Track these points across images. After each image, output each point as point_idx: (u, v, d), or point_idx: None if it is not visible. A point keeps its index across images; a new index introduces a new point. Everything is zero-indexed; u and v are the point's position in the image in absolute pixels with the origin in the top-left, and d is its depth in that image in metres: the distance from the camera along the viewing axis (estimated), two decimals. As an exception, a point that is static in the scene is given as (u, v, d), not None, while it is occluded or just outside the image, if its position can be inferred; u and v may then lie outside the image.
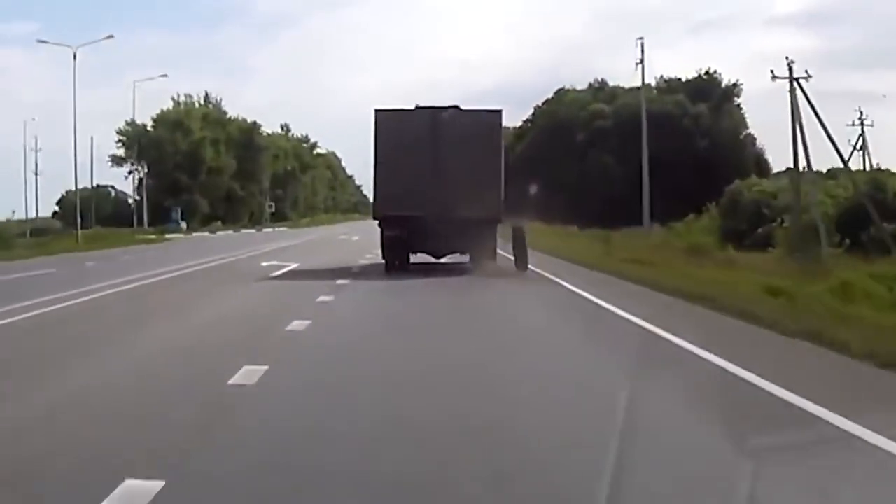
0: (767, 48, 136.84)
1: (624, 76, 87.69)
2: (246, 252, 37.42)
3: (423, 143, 24.87)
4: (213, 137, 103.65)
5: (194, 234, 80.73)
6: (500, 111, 27.31)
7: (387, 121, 25.83)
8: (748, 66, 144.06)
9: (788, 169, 45.44)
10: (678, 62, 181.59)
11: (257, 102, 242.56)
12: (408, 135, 25.25)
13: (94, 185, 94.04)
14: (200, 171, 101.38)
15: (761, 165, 76.65)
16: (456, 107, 26.49)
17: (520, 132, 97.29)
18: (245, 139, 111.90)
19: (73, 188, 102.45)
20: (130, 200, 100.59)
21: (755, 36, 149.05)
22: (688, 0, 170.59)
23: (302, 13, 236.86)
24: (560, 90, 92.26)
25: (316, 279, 23.18)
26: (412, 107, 26.53)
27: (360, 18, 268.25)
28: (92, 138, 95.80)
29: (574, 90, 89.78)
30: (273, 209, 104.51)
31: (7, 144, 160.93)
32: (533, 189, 51.95)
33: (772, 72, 41.10)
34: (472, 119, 26.01)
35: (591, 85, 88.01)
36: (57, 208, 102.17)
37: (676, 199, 73.24)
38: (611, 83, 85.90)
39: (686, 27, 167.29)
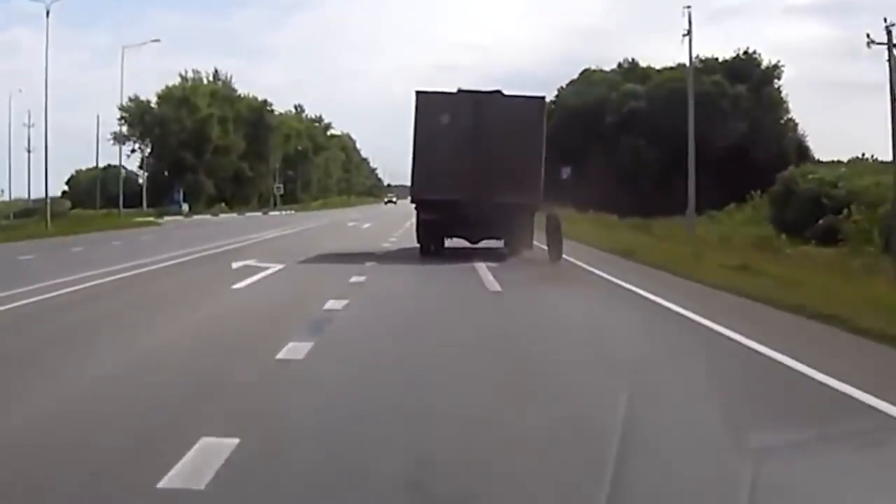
0: (786, 37, 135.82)
1: (644, 61, 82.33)
2: (231, 242, 31.55)
3: (465, 127, 24.23)
4: (220, 115, 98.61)
5: (195, 216, 75.96)
6: (543, 97, 27.60)
7: (428, 103, 25.11)
8: (769, 54, 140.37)
9: (855, 158, 40.55)
10: (697, 49, 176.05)
11: (273, 84, 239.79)
12: (449, 118, 24.58)
13: (106, 164, 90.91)
14: (206, 150, 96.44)
15: (802, 152, 71.55)
16: (499, 91, 25.44)
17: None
18: (255, 118, 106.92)
19: (85, 167, 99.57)
20: (141, 181, 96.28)
21: (774, 24, 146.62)
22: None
23: None
24: (586, 70, 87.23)
25: (286, 306, 14.85)
26: (454, 90, 25.86)
27: (375, 1, 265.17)
28: (98, 116, 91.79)
29: (601, 71, 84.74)
30: (282, 191, 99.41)
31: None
32: (566, 173, 47.52)
33: (868, 35, 36.75)
34: (514, 104, 25.38)
35: (620, 65, 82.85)
36: (67, 188, 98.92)
37: (713, 185, 68.22)
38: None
39: (705, 15, 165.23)
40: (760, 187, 66.74)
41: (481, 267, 20.66)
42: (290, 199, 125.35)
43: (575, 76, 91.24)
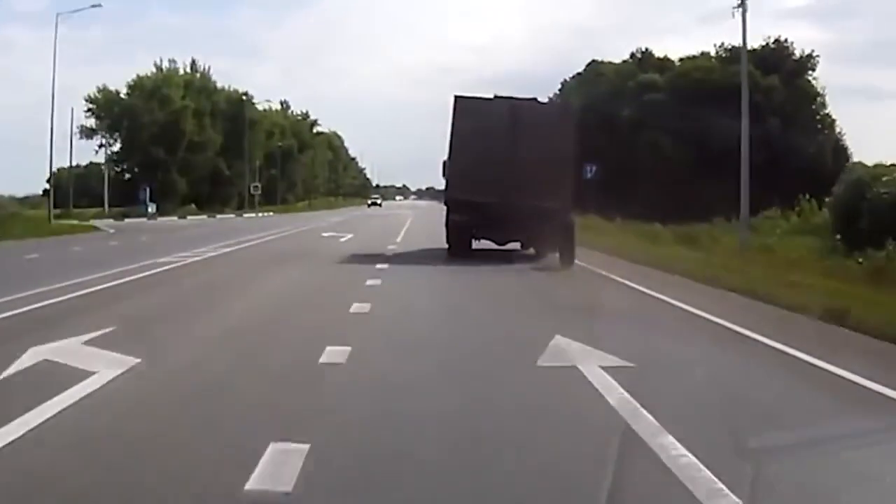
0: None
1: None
2: (107, 276, 18.95)
3: (500, 132, 24.73)
4: (195, 108, 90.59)
5: (162, 219, 68.25)
6: (570, 104, 30.04)
7: (466, 108, 25.78)
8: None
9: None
10: (687, 50, 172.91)
11: (265, 84, 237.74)
12: (485, 123, 25.06)
13: (88, 162, 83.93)
14: (180, 145, 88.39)
15: (839, 152, 64.26)
16: (534, 99, 27.16)
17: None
18: (234, 112, 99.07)
19: (66, 165, 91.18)
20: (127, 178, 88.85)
21: (766, 26, 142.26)
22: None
23: None
24: (593, 62, 79.86)
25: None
26: (491, 96, 26.93)
27: (370, 2, 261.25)
28: (72, 110, 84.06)
29: (610, 63, 77.32)
30: (259, 191, 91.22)
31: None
32: (590, 171, 40.61)
33: None
34: (547, 111, 27.31)
35: (632, 55, 75.39)
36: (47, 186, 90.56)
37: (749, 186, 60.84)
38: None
39: (696, 15, 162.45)
40: (797, 190, 59.46)
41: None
42: (274, 199, 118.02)
43: (580, 69, 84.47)
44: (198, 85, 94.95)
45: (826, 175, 62.17)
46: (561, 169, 24.61)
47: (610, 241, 29.61)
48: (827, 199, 50.00)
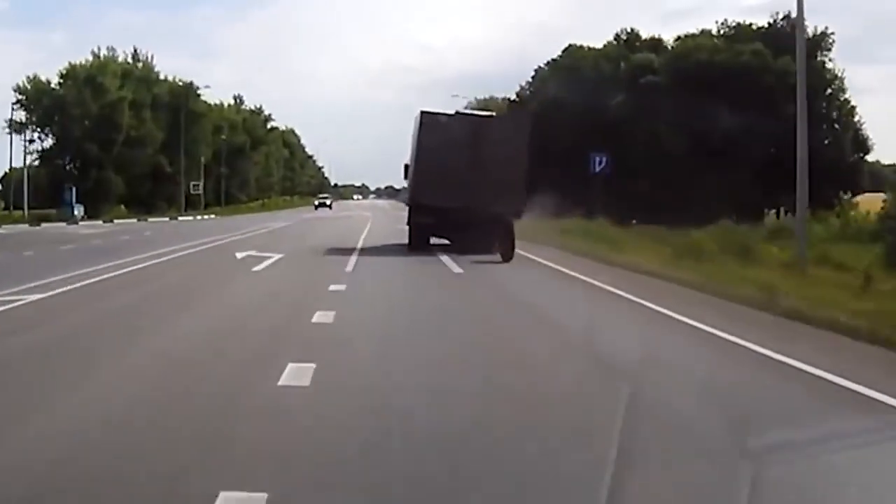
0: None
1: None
2: None
3: (460, 145, 27.00)
4: (134, 99, 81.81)
5: (82, 224, 59.62)
6: (529, 113, 35.99)
7: (430, 122, 28.24)
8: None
9: None
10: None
11: (222, 82, 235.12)
12: (447, 137, 27.42)
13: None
14: (116, 141, 79.59)
15: (860, 143, 57.07)
16: (492, 115, 33.00)
17: (517, 105, 77.83)
18: (178, 105, 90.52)
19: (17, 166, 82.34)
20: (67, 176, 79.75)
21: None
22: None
23: None
24: (571, 47, 72.26)
25: None
26: (453, 112, 30.69)
27: (328, 1, 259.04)
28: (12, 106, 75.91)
29: (591, 48, 69.69)
30: (200, 190, 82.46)
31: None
32: (599, 164, 34.03)
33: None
34: (504, 125, 30.49)
35: (617, 37, 67.73)
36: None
37: (754, 183, 53.56)
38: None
39: (658, 14, 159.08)
40: (815, 186, 52.10)
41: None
42: (226, 198, 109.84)
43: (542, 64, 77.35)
44: (137, 75, 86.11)
45: (845, 169, 55.01)
46: (513, 177, 27.03)
47: (646, 259, 22.09)
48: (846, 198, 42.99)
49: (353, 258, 24.72)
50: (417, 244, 27.94)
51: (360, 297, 16.32)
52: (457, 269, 21.51)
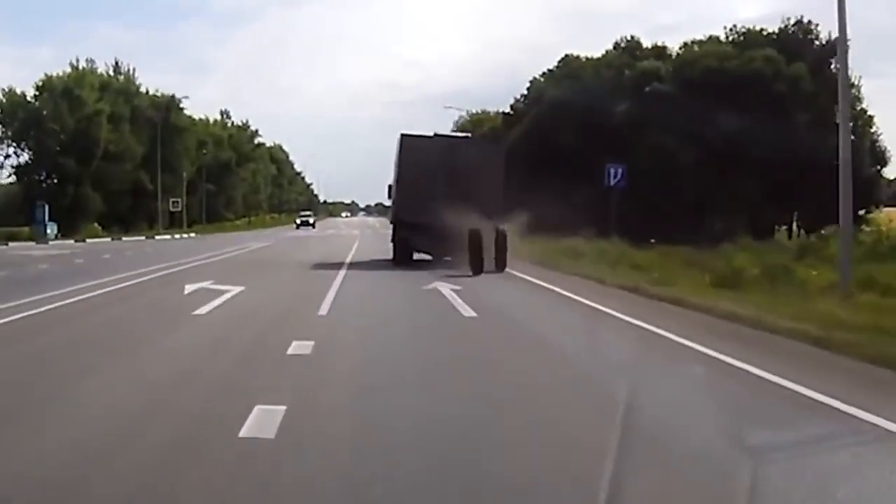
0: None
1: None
2: None
3: (438, 164, 28.43)
4: (112, 112, 78.42)
5: (52, 244, 56.28)
6: (503, 143, 36.85)
7: (410, 144, 30.00)
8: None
9: None
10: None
11: (210, 100, 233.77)
12: (426, 158, 28.88)
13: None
14: (94, 155, 76.18)
15: (878, 154, 53.99)
16: (468, 137, 37.25)
17: (511, 118, 74.67)
18: (160, 118, 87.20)
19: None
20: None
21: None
22: (649, 2, 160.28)
23: (257, 11, 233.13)
24: (567, 57, 69.15)
25: None
26: (432, 134, 31.43)
27: (315, 18, 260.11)
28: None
29: (588, 59, 66.55)
30: (180, 207, 78.88)
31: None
32: (615, 176, 31.48)
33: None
34: (479, 148, 32.82)
35: (616, 45, 64.50)
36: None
37: (766, 196, 50.39)
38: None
39: (647, 29, 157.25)
40: (830, 200, 48.99)
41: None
42: (211, 216, 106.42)
43: (526, 84, 74.48)
44: (117, 87, 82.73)
45: (863, 181, 51.75)
46: (489, 196, 27.82)
47: (688, 290, 18.47)
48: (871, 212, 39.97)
49: (331, 293, 19.09)
50: (401, 258, 29.74)
51: (331, 370, 10.50)
52: (468, 312, 16.05)
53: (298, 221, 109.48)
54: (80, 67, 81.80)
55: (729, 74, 49.10)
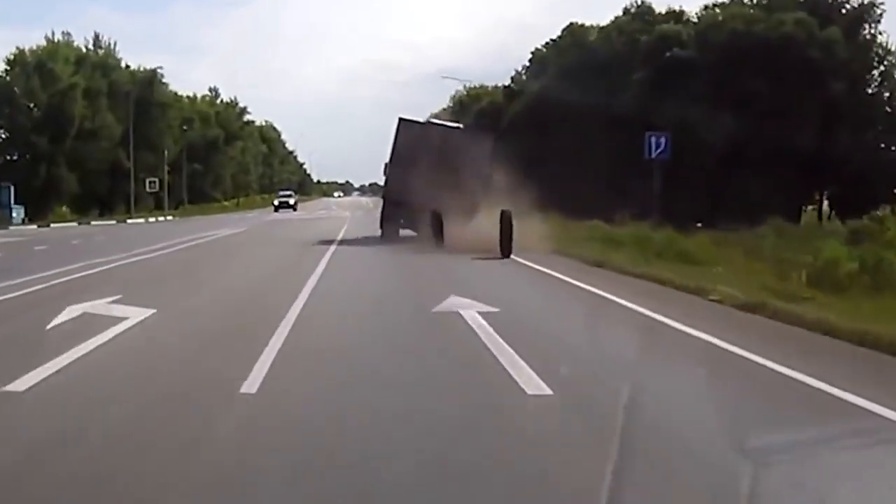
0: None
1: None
2: None
3: (430, 150, 29.87)
4: (88, 87, 73.51)
5: (12, 229, 51.66)
6: (492, 135, 35.20)
7: (406, 128, 31.65)
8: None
9: None
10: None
11: (203, 82, 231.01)
12: (420, 142, 30.50)
13: None
14: (67, 133, 71.41)
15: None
16: (459, 126, 35.80)
17: (512, 91, 70.24)
18: (141, 94, 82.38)
19: None
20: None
21: None
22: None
23: None
24: (571, 25, 64.54)
25: None
26: (424, 120, 35.64)
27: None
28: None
29: (595, 27, 61.86)
30: (156, 188, 73.72)
31: None
32: (657, 147, 27.13)
33: None
34: (469, 136, 33.50)
35: (626, 11, 59.64)
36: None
37: (795, 177, 45.88)
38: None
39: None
40: (870, 180, 44.49)
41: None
42: (198, 197, 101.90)
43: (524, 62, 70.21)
44: (94, 60, 77.74)
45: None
46: (474, 181, 29.05)
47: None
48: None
49: (282, 332, 11.30)
50: (388, 234, 31.85)
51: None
52: (533, 384, 8.25)
53: (276, 203, 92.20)
54: (57, 41, 77.10)
55: (757, 38, 44.44)
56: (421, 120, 34.41)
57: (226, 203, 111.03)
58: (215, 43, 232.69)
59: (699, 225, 34.14)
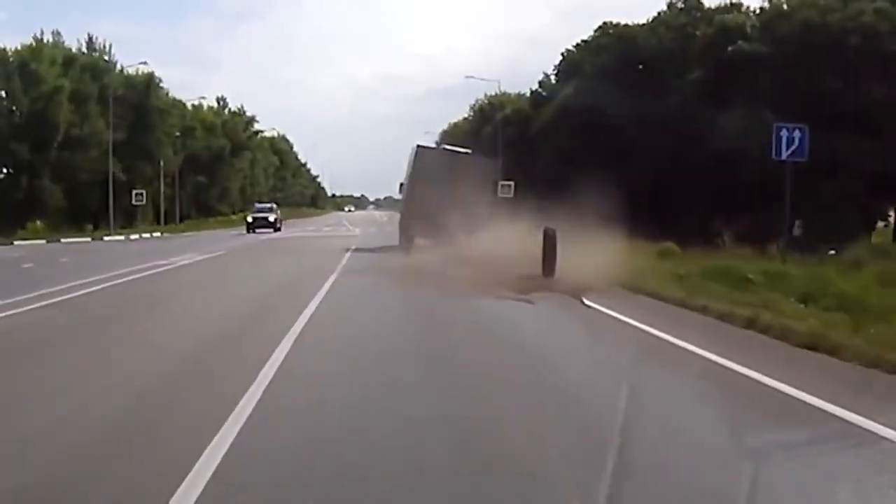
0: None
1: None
2: None
3: (442, 172, 34.03)
4: (75, 90, 67.08)
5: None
6: (498, 160, 43.90)
7: (422, 153, 36.47)
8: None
9: None
10: None
11: (218, 93, 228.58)
12: (433, 166, 34.90)
13: None
14: (52, 141, 64.99)
15: None
16: (468, 153, 39.78)
17: (539, 97, 64.32)
18: (137, 100, 76.15)
19: None
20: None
21: None
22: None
23: (265, 6, 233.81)
24: (605, 25, 57.99)
25: None
26: (438, 146, 46.36)
27: (321, 11, 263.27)
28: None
29: (627, 26, 55.27)
30: (143, 201, 66.67)
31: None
32: (790, 144, 20.30)
33: None
34: (476, 161, 38.24)
35: (670, 5, 53.09)
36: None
37: (880, 191, 39.35)
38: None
39: None
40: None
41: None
42: (201, 211, 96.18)
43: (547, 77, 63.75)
44: (83, 62, 71.28)
45: None
46: (479, 199, 33.59)
47: None
48: None
49: None
50: (405, 245, 34.67)
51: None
52: None
53: (250, 219, 68.97)
54: (46, 41, 70.85)
55: (833, 30, 37.83)
56: (434, 146, 40.86)
57: (233, 217, 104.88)
58: (229, 56, 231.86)
59: (832, 252, 27.34)
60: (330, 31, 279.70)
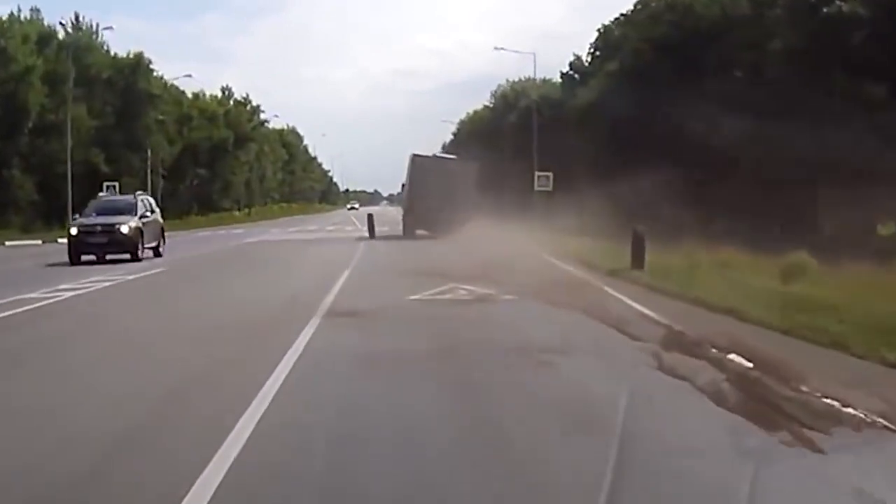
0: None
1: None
2: None
3: (434, 175, 41.44)
4: (50, 71, 59.54)
5: None
6: (477, 162, 45.73)
7: (418, 161, 43.81)
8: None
9: None
10: None
11: (235, 88, 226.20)
12: (427, 170, 42.47)
13: None
14: (21, 128, 57.58)
15: None
16: (453, 158, 50.98)
17: (573, 80, 57.47)
18: (124, 84, 68.81)
19: None
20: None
21: None
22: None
23: (280, 1, 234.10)
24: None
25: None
26: (432, 154, 50.65)
27: (337, 7, 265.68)
28: None
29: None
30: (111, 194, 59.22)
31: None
32: None
33: None
34: (460, 165, 44.91)
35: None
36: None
37: None
38: None
39: None
40: None
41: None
42: (204, 206, 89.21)
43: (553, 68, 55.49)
44: (62, 41, 63.62)
45: None
46: (465, 196, 40.25)
47: None
48: None
49: None
50: (408, 232, 41.97)
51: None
52: None
53: (74, 232, 30.05)
54: (24, 18, 63.52)
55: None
56: (426, 154, 47.57)
57: (236, 213, 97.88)
58: (244, 51, 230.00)
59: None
60: (343, 27, 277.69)
